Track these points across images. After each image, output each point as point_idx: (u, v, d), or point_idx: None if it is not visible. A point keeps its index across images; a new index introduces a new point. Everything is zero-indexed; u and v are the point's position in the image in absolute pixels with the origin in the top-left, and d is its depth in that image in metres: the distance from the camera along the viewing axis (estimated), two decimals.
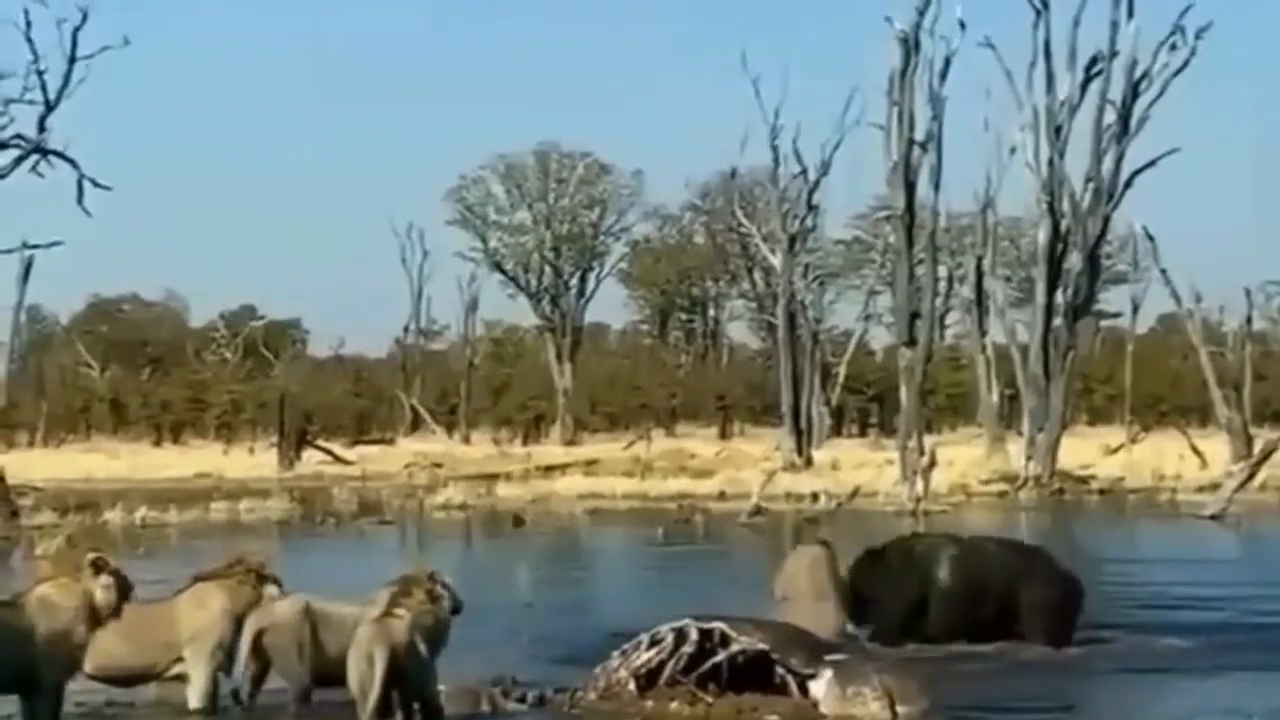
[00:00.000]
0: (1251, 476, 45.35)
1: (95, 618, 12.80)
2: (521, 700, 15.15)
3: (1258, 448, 50.08)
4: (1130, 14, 53.91)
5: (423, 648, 13.35)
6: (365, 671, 12.99)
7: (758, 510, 42.03)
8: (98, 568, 12.79)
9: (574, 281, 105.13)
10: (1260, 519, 41.41)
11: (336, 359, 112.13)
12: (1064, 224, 54.04)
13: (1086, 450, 61.43)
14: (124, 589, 12.95)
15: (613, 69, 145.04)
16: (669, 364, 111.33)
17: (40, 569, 13.06)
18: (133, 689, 14.77)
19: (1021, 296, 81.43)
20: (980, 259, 62.44)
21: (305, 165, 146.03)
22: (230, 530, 39.19)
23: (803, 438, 64.67)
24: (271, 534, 37.83)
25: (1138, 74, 53.72)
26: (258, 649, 13.67)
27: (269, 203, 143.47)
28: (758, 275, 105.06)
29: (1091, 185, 53.98)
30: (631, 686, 15.01)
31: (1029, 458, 52.99)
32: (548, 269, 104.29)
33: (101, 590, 12.75)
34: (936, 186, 55.76)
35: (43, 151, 47.60)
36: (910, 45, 54.06)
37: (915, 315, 54.40)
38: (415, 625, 13.35)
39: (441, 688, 14.63)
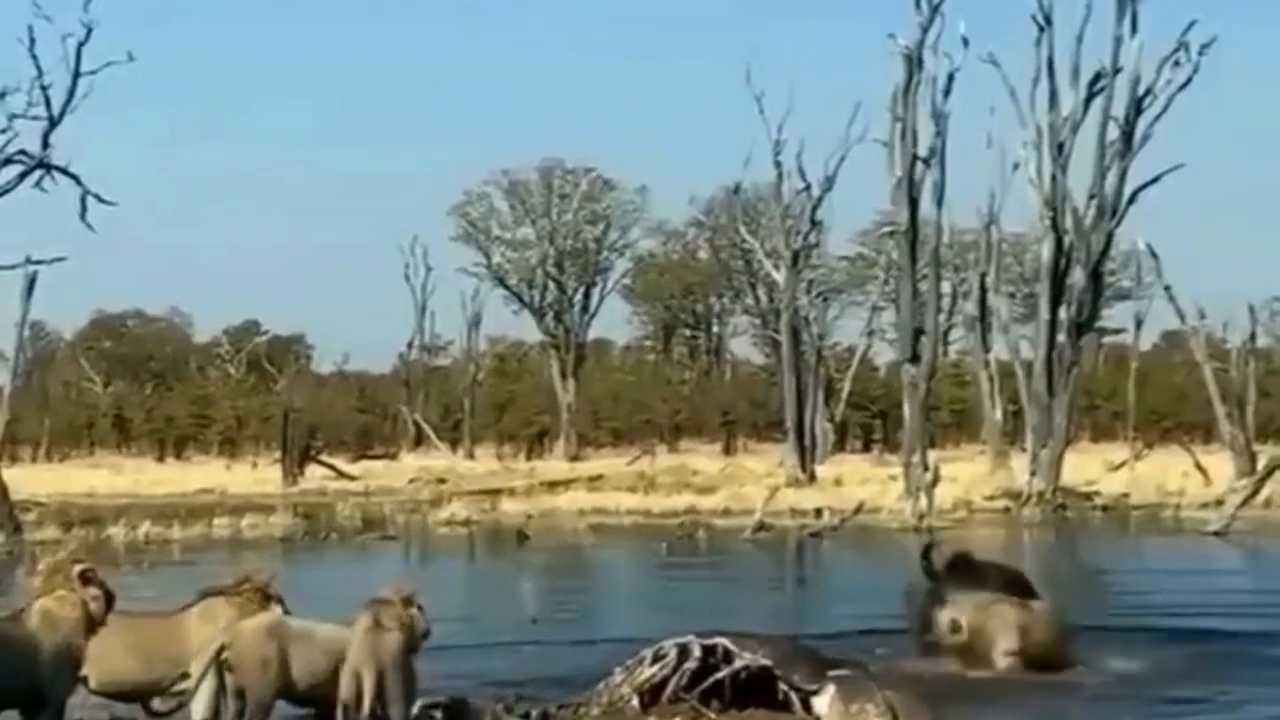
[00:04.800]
0: (1255, 493, 45.34)
1: (91, 629, 12.81)
2: (525, 716, 15.12)
3: (1261, 464, 50.07)
4: (1134, 30, 53.93)
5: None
6: (352, 686, 13.01)
7: (761, 526, 42.00)
8: (86, 579, 12.78)
9: (578, 297, 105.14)
10: (1264, 535, 41.38)
11: (340, 374, 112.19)
12: (1067, 240, 54.01)
13: (1090, 466, 61.36)
14: (108, 600, 12.97)
15: (616, 85, 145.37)
16: (672, 380, 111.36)
17: (33, 585, 13.03)
18: (137, 703, 14.74)
19: (1025, 313, 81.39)
20: (984, 275, 62.39)
21: (309, 181, 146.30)
22: (233, 546, 39.19)
23: (806, 453, 64.63)
24: (274, 550, 37.82)
25: (1141, 90, 53.71)
26: (221, 664, 13.60)
27: (272, 218, 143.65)
28: (761, 291, 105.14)
29: (1095, 201, 53.96)
30: (635, 702, 15.01)
31: (1032, 474, 52.91)
32: (551, 285, 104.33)
33: (93, 601, 12.76)
34: (940, 202, 55.80)
35: (46, 167, 47.60)
36: (914, 62, 54.09)
37: (919, 331, 54.38)
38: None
39: (444, 702, 14.65)
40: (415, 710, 13.75)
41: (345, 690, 13.12)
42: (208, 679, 13.43)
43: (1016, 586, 18.56)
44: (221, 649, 13.39)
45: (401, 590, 13.66)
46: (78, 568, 12.87)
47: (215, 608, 14.40)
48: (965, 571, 18.49)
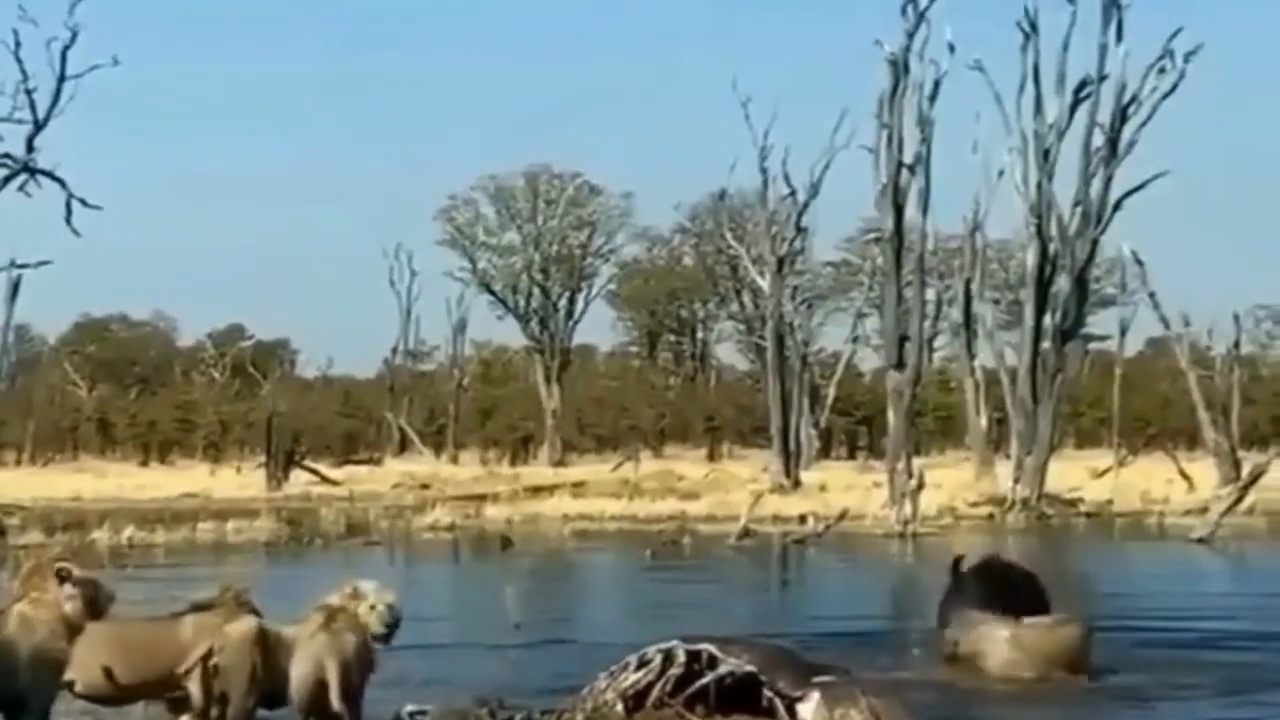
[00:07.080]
0: (1239, 500, 45.34)
1: (72, 630, 12.68)
2: None
3: (1245, 471, 50.15)
4: (1119, 37, 54.03)
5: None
6: (316, 686, 13.00)
7: (746, 532, 41.98)
8: (62, 577, 12.65)
9: (563, 303, 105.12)
10: (1248, 543, 41.42)
11: (324, 379, 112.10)
12: (1052, 247, 54.08)
13: (1074, 473, 61.38)
14: (97, 597, 12.80)
15: (603, 91, 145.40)
16: (657, 385, 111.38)
17: (13, 589, 12.93)
18: (121, 709, 14.69)
19: (1010, 319, 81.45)
20: (969, 282, 62.47)
21: (294, 184, 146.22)
22: (217, 550, 39.11)
23: (791, 460, 64.61)
24: (258, 555, 37.75)
25: (1126, 97, 53.81)
26: (206, 668, 13.56)
27: (257, 223, 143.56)
28: (746, 297, 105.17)
29: (1080, 208, 54.04)
30: (619, 708, 14.98)
31: (1017, 480, 52.96)
32: (536, 290, 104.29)
33: (68, 601, 12.58)
34: (925, 209, 55.75)
35: (31, 171, 47.61)
36: (900, 68, 54.09)
37: (904, 338, 54.38)
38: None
39: (428, 708, 14.62)
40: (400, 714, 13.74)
41: (308, 689, 13.10)
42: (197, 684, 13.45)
43: (1032, 598, 18.64)
44: (209, 654, 13.37)
45: (356, 592, 13.72)
46: (55, 565, 12.74)
47: (209, 617, 14.35)
48: (991, 576, 18.68)
